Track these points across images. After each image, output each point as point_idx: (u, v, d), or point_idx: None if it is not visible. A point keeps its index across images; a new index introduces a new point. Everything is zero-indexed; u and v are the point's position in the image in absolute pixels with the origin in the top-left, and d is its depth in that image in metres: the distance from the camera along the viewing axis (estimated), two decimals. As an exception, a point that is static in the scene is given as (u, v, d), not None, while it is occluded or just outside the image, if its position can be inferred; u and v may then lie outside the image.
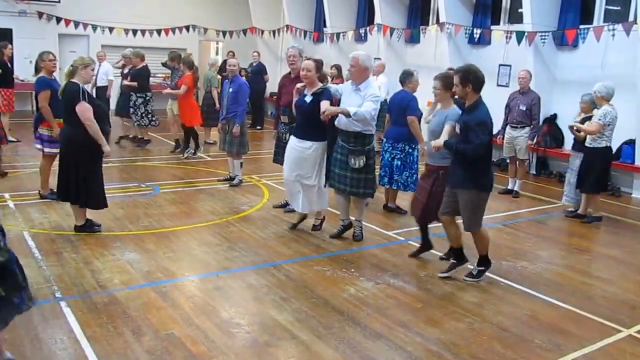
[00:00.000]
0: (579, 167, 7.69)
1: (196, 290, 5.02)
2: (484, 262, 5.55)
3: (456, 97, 5.58)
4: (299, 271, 5.56)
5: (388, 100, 9.22)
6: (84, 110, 5.81)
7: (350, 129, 6.08)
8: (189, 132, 10.84)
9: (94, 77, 13.98)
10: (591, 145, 7.50)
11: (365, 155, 6.13)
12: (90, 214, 6.39)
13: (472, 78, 5.18)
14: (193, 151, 10.89)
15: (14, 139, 11.10)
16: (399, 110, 7.39)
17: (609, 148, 7.62)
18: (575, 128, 7.55)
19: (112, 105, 12.65)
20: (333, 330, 4.41)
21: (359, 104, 5.93)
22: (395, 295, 5.14)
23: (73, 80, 5.89)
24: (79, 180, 5.96)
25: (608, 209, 8.45)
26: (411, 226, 7.20)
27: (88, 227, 6.24)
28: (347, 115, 5.85)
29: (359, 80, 6.06)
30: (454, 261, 5.62)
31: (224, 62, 13.57)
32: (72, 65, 5.95)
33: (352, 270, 5.66)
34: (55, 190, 6.73)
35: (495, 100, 11.09)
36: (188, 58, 11.09)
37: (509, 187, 9.26)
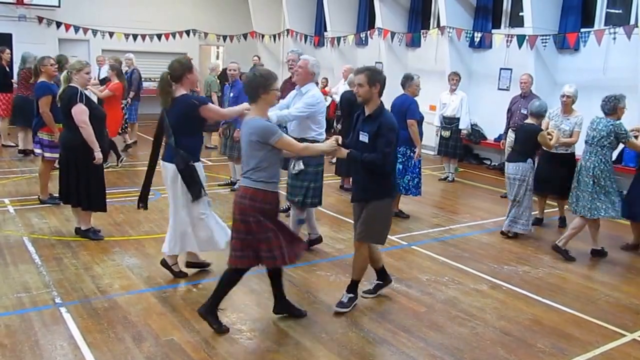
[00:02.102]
0: (548, 175, 7.25)
1: (197, 296, 4.98)
2: (355, 289, 4.92)
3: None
4: (302, 276, 5.53)
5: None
6: (79, 112, 5.79)
7: (295, 135, 5.71)
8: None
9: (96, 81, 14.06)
10: (568, 152, 7.36)
11: (304, 162, 5.71)
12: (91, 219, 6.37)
13: (379, 78, 4.55)
14: (116, 163, 10.13)
15: (12, 144, 11.09)
16: (400, 113, 7.36)
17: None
18: (561, 144, 7.26)
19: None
20: (336, 336, 4.38)
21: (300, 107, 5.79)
22: (398, 300, 5.12)
23: (71, 84, 5.88)
24: (80, 183, 5.94)
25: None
26: (413, 230, 7.20)
27: (92, 233, 6.20)
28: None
29: (302, 84, 5.94)
30: (380, 282, 5.20)
31: (225, 69, 13.55)
32: (68, 71, 5.94)
33: (354, 274, 5.63)
34: (54, 195, 6.72)
35: (496, 104, 11.17)
36: (117, 64, 10.38)
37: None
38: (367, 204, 4.66)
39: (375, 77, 4.53)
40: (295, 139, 5.35)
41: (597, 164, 6.15)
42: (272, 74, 4.24)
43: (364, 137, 4.59)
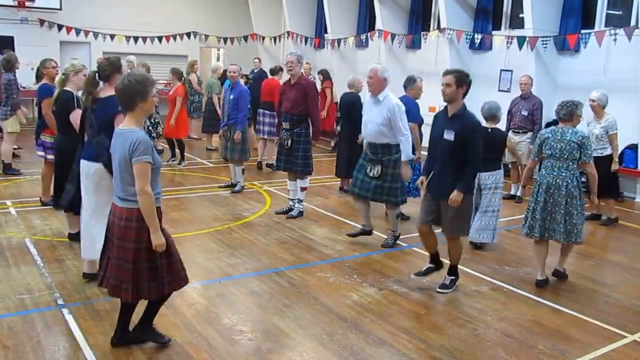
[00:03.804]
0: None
1: (198, 297, 5.00)
2: (456, 271, 5.44)
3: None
4: (302, 278, 5.55)
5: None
6: (78, 117, 5.77)
7: (377, 141, 6.22)
8: (179, 143, 10.58)
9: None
10: (603, 154, 7.60)
11: (383, 165, 6.22)
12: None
13: (466, 80, 4.98)
14: (178, 162, 10.54)
15: (16, 146, 11.09)
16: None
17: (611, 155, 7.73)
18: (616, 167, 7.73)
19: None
20: (336, 337, 4.40)
21: (380, 114, 6.12)
22: (398, 302, 5.13)
23: (66, 88, 5.86)
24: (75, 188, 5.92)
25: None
26: (413, 232, 7.20)
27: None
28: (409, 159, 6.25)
29: (377, 92, 6.19)
30: (432, 265, 5.51)
31: (225, 71, 13.61)
32: (63, 73, 5.93)
33: (355, 276, 5.65)
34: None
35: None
36: (177, 69, 10.86)
37: (512, 192, 9.24)
38: (449, 196, 4.99)
39: (462, 79, 4.93)
40: (378, 144, 6.17)
41: (570, 181, 5.38)
42: (149, 79, 3.78)
43: (449, 135, 4.98)
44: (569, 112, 5.50)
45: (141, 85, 3.68)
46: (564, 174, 5.41)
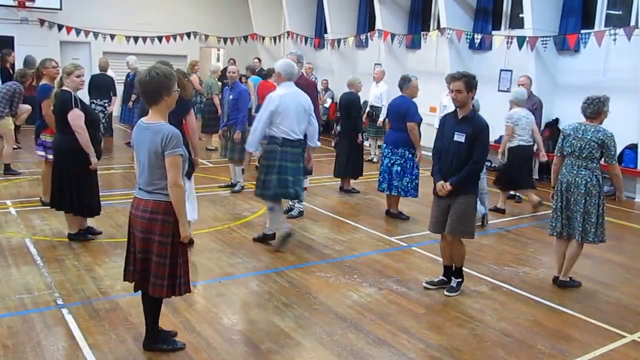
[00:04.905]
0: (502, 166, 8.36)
1: (198, 297, 5.00)
2: (462, 273, 5.40)
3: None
4: (301, 277, 5.55)
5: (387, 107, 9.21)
6: (76, 117, 5.77)
7: None
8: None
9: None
10: (509, 146, 8.19)
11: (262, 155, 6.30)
12: (92, 220, 6.39)
13: (474, 84, 5.04)
14: None
15: (16, 146, 11.10)
16: (397, 115, 7.40)
17: (521, 147, 8.14)
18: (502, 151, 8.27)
19: (116, 112, 12.75)
20: (336, 337, 4.40)
21: None
22: (397, 301, 5.13)
23: (64, 88, 5.87)
24: (72, 188, 5.93)
25: (610, 214, 8.39)
26: (413, 232, 7.21)
27: (82, 236, 6.21)
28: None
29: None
30: (444, 278, 5.46)
31: (225, 69, 13.62)
32: (60, 75, 5.95)
33: (355, 276, 5.65)
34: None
35: (496, 105, 11.14)
36: (182, 69, 10.92)
37: (511, 192, 9.23)
38: (456, 197, 5.08)
39: (472, 84, 5.01)
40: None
41: (589, 179, 5.32)
42: (173, 73, 3.80)
43: (459, 137, 5.04)
44: (596, 111, 5.35)
45: (167, 78, 3.67)
46: (582, 173, 5.34)
